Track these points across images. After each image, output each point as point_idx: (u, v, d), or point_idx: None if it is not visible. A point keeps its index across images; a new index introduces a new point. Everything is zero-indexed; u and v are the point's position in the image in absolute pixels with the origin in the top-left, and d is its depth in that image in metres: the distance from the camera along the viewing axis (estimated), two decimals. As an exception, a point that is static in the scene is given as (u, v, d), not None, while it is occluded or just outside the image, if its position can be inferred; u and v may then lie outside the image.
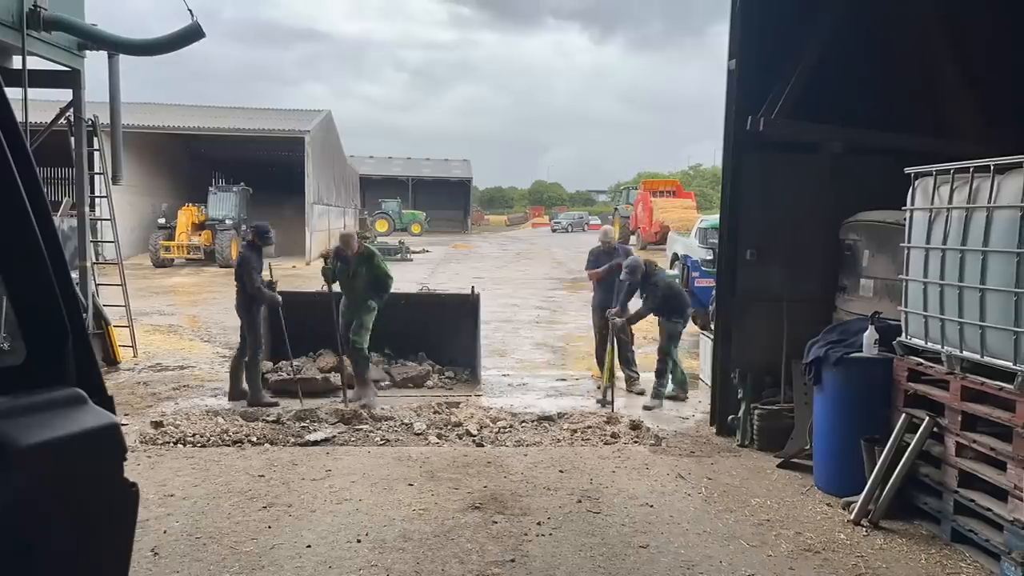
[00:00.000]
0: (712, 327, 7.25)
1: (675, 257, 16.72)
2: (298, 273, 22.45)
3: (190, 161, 31.26)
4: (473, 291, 8.78)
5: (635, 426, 6.59)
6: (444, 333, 8.52)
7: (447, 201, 54.84)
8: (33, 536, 1.47)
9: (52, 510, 1.51)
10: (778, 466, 5.61)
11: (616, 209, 39.28)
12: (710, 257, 11.34)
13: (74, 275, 7.19)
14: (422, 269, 23.19)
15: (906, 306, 4.78)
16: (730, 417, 6.42)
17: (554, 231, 53.44)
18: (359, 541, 4.17)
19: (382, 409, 7.02)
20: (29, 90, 7.61)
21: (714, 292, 7.42)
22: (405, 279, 18.96)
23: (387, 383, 7.98)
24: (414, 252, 28.58)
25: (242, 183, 26.28)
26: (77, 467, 1.58)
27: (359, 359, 7.47)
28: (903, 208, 4.85)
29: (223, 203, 25.13)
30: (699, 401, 7.12)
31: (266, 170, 31.92)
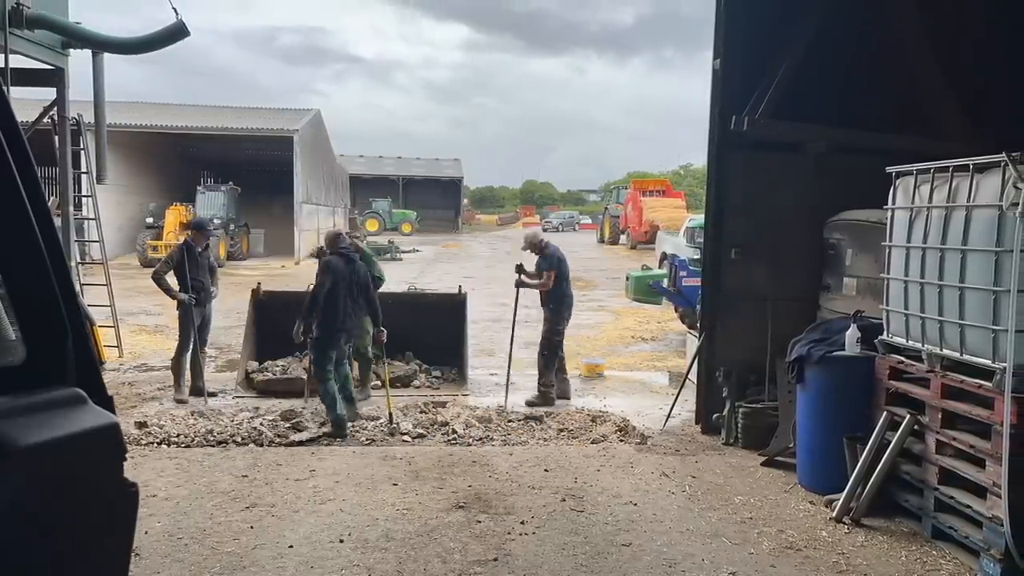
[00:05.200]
0: (699, 326, 7.27)
1: (664, 256, 16.76)
2: (287, 272, 22.40)
3: (178, 160, 31.10)
4: (461, 290, 8.79)
5: (622, 425, 6.60)
6: (432, 333, 8.51)
7: (438, 200, 54.71)
8: (33, 536, 1.47)
9: (52, 510, 1.51)
10: (762, 464, 5.63)
11: (606, 208, 39.36)
12: (698, 256, 11.36)
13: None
14: (412, 269, 23.16)
15: (888, 305, 4.81)
16: (715, 415, 6.44)
17: (545, 231, 53.46)
18: (342, 541, 4.16)
19: (369, 409, 7.01)
20: (12, 88, 7.56)
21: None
22: (394, 279, 18.96)
23: (374, 383, 7.96)
24: (404, 252, 28.52)
25: (231, 182, 26.18)
26: (77, 467, 1.58)
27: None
28: (885, 207, 4.88)
29: (211, 203, 25.03)
30: (685, 400, 7.13)
31: (255, 169, 31.81)
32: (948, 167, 4.25)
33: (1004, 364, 3.74)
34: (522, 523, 4.45)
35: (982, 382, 3.95)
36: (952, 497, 4.17)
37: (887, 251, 4.82)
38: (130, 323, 11.60)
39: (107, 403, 1.68)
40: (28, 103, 10.00)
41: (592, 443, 6.18)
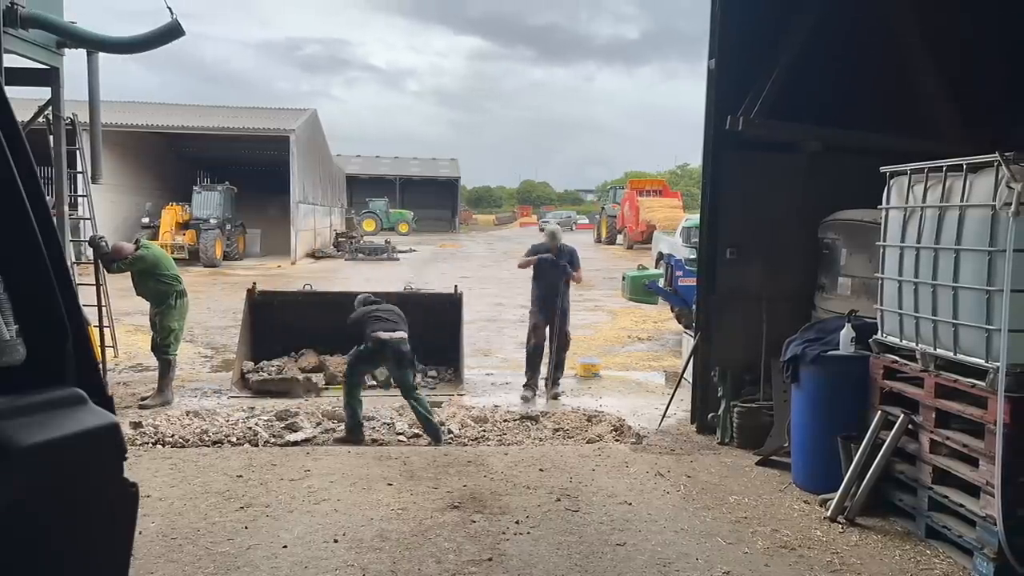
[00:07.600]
0: (694, 325, 7.28)
1: (660, 256, 16.79)
2: (283, 272, 22.37)
3: (175, 160, 31.05)
4: (456, 290, 8.80)
5: (617, 424, 6.60)
6: (427, 332, 8.49)
7: (435, 200, 54.74)
8: (33, 536, 1.47)
9: (52, 510, 1.51)
10: (757, 463, 5.63)
11: (603, 208, 39.38)
12: (694, 256, 11.37)
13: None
14: (408, 269, 23.15)
15: (882, 304, 4.81)
16: (710, 415, 6.45)
17: (542, 231, 53.32)
18: (336, 541, 4.15)
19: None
20: (7, 88, 7.53)
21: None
22: (391, 279, 18.94)
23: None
24: (401, 252, 28.52)
25: (227, 182, 26.14)
26: (77, 467, 1.59)
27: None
28: (879, 207, 4.89)
29: (208, 202, 25.00)
30: (681, 399, 7.14)
31: (251, 169, 31.77)
32: (942, 167, 4.25)
33: (997, 364, 3.75)
34: (517, 523, 4.45)
35: (975, 381, 3.95)
36: (946, 496, 4.18)
37: (881, 251, 4.83)
38: (126, 323, 11.57)
39: (107, 403, 1.69)
40: (23, 102, 9.97)
41: (587, 443, 6.19)
